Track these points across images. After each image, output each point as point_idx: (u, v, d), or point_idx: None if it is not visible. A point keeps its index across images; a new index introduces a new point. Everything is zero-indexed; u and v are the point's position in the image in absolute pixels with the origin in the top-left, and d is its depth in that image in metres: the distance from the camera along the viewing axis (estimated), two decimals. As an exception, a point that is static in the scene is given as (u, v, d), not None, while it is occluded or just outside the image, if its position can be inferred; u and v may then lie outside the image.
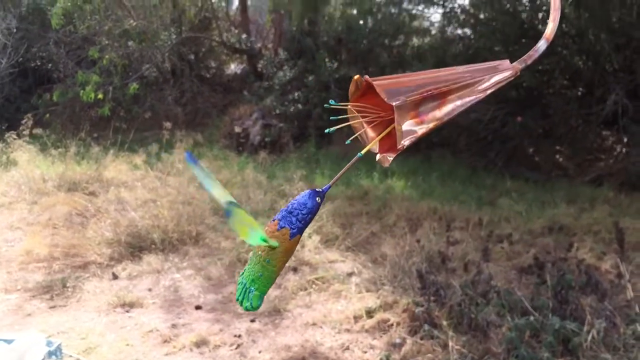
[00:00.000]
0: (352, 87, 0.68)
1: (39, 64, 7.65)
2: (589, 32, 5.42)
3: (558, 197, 4.52)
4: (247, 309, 0.68)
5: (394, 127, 0.64)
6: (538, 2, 5.98)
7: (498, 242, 3.23)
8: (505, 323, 2.25)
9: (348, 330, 2.51)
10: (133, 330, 2.54)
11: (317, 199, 0.66)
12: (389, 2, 7.82)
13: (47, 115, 6.91)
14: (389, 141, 0.67)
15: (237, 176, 4.77)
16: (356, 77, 0.67)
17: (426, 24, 8.01)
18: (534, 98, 5.69)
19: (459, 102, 0.67)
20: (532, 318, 2.20)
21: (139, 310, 2.73)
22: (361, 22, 7.43)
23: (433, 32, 7.73)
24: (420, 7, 7.72)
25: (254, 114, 6.63)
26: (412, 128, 0.64)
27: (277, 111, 6.46)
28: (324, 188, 0.68)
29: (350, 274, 3.09)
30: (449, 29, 7.02)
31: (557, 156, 5.99)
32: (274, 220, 0.66)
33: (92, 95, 6.09)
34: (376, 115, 0.69)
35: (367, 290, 2.84)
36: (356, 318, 2.59)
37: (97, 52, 6.56)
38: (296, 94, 6.58)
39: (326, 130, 0.72)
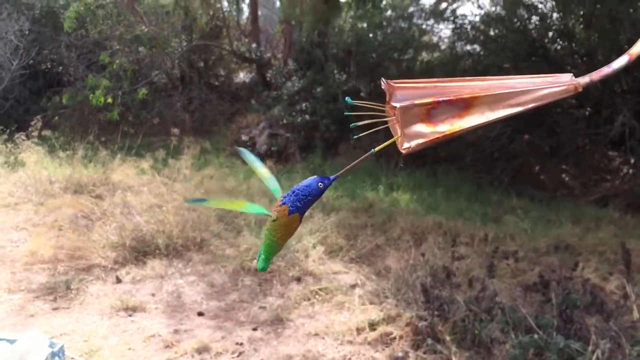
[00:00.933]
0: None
1: (49, 66, 7.71)
2: (598, 52, 5.44)
3: (563, 216, 4.51)
4: (257, 269, 0.80)
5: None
6: (548, 21, 6.01)
7: (503, 258, 3.21)
8: (509, 340, 2.24)
9: (350, 342, 2.50)
10: (135, 335, 2.54)
11: (319, 184, 0.71)
12: (399, 16, 7.88)
13: (56, 117, 6.95)
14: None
15: (242, 185, 4.78)
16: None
17: (435, 39, 8.06)
18: (542, 116, 5.69)
19: (489, 112, 0.64)
20: (536, 336, 2.19)
21: (141, 315, 2.73)
22: (371, 35, 7.47)
23: (442, 47, 7.77)
24: (430, 22, 7.78)
25: (261, 123, 6.66)
26: (421, 131, 0.64)
27: (285, 121, 6.49)
28: (331, 177, 0.73)
29: (353, 286, 3.09)
30: (459, 45, 7.05)
31: (563, 175, 5.99)
32: (281, 198, 0.74)
33: (102, 99, 6.13)
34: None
35: (371, 303, 2.84)
36: (359, 330, 2.58)
37: (108, 57, 6.61)
38: (304, 104, 6.60)
39: (352, 125, 0.74)
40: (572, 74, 0.65)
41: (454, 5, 7.49)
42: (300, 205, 0.72)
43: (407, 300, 2.81)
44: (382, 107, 0.70)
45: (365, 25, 7.79)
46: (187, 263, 3.33)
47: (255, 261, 0.86)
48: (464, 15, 6.93)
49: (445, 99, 0.63)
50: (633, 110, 5.26)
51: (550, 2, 6.11)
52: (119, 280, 3.08)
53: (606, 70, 0.64)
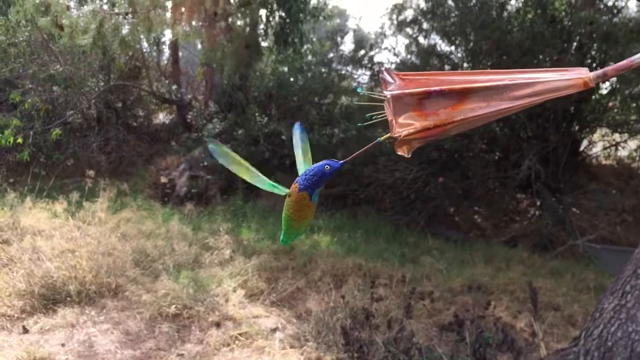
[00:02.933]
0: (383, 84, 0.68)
1: (-45, 104, 7.33)
2: (505, 101, 5.77)
3: (476, 256, 4.69)
4: (281, 242, 0.86)
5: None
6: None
7: (420, 299, 3.29)
8: (426, 380, 2.28)
9: (271, 388, 2.47)
10: (42, 389, 2.40)
11: (326, 166, 0.76)
12: (319, 62, 8.09)
13: (-39, 158, 6.58)
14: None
15: (161, 227, 4.68)
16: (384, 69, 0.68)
17: (355, 84, 8.30)
18: (455, 160, 5.95)
19: (484, 105, 0.62)
20: (451, 375, 2.24)
21: (50, 367, 2.59)
22: (292, 79, 7.61)
23: (361, 92, 7.98)
24: (349, 68, 8.02)
25: (181, 165, 6.57)
26: (412, 121, 0.63)
27: (205, 163, 6.43)
28: (339, 162, 0.76)
29: (274, 330, 3.06)
30: (377, 91, 7.28)
31: (476, 217, 6.24)
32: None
33: (11, 139, 5.86)
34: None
35: (291, 347, 2.82)
36: (279, 375, 2.56)
37: (19, 96, 6.37)
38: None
39: (368, 115, 0.74)
40: (587, 68, 0.60)
41: (372, 53, 7.79)
42: (307, 184, 0.76)
43: (328, 343, 2.82)
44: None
45: (286, 69, 7.93)
46: (101, 310, 3.20)
47: None
48: (381, 63, 7.22)
49: (436, 89, 0.62)
50: (538, 155, 5.60)
51: (461, 53, 6.47)
52: (25, 331, 2.91)
53: (625, 63, 0.60)
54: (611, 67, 0.59)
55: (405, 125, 0.64)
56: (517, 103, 0.61)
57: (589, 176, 6.66)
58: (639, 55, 0.59)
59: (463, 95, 0.62)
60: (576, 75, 0.60)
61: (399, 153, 0.67)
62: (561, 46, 5.55)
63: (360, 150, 0.75)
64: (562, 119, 5.75)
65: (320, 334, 2.92)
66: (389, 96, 0.64)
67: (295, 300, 3.54)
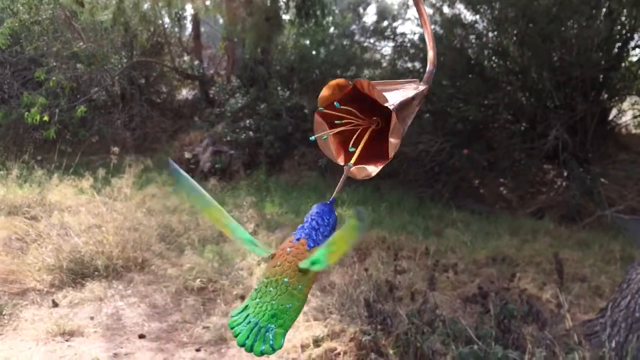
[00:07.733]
0: (326, 92, 0.60)
1: (-19, 83, 7.44)
2: (531, 69, 5.66)
3: (502, 228, 4.64)
4: (262, 354, 0.52)
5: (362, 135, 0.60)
6: (484, 40, 6.22)
7: (444, 271, 3.28)
8: (449, 352, 2.27)
9: (295, 360, 2.49)
10: (72, 360, 2.45)
11: (327, 208, 0.60)
12: (341, 34, 8.00)
13: (-11, 136, 6.70)
14: (363, 152, 0.61)
15: (185, 202, 4.72)
16: (337, 81, 0.60)
17: (377, 56, 8.21)
18: (480, 131, 5.87)
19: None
20: (475, 347, 2.23)
21: (79, 340, 2.64)
22: (314, 52, 7.55)
23: (384, 64, 7.92)
24: (371, 40, 7.92)
25: (205, 140, 6.60)
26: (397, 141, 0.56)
27: (228, 138, 6.45)
28: (329, 201, 0.61)
29: (298, 303, 3.07)
30: (399, 62, 7.20)
31: (501, 188, 6.17)
32: (298, 239, 0.57)
33: (38, 117, 5.93)
34: (354, 123, 0.63)
35: (315, 319, 2.84)
36: (303, 347, 2.57)
37: (44, 74, 6.42)
38: (248, 121, 6.59)
39: (311, 138, 0.64)
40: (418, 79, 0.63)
41: (395, 24, 7.68)
42: (320, 239, 0.57)
43: (351, 315, 2.83)
44: (351, 115, 0.63)
45: (308, 42, 7.86)
46: (128, 284, 3.25)
47: (250, 349, 0.52)
48: (404, 34, 7.12)
49: (406, 98, 0.59)
50: (565, 125, 5.49)
51: (486, 22, 6.33)
52: (55, 304, 2.97)
53: (430, 77, 0.63)
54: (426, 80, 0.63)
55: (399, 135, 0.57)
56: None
57: (618, 145, 6.52)
58: (430, 69, 0.63)
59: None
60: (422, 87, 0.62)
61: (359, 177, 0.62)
62: (589, 12, 5.39)
63: (341, 182, 0.63)
64: (590, 87, 5.61)
65: (343, 306, 2.93)
66: (394, 110, 0.56)
67: (319, 274, 3.54)
